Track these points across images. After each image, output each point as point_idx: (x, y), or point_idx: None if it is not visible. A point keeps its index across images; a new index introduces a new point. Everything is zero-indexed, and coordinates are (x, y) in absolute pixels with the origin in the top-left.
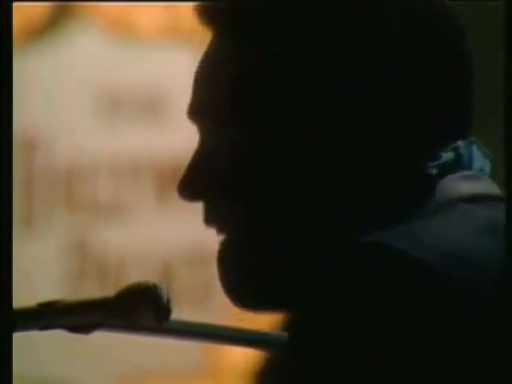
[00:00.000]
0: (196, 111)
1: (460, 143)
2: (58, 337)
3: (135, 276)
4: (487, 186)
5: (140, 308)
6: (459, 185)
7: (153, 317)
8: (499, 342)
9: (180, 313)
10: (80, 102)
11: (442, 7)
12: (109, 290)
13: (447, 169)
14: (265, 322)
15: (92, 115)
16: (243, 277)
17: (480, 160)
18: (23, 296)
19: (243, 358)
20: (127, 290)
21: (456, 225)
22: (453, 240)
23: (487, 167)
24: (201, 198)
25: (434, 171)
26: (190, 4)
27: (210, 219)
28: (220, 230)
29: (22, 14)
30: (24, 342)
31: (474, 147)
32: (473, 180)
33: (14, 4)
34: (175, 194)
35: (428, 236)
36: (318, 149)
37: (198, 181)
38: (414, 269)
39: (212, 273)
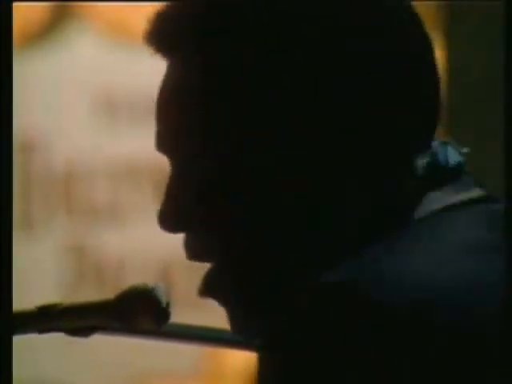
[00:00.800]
0: (168, 140)
1: (434, 144)
2: (57, 340)
3: (134, 279)
4: (468, 191)
5: (139, 311)
6: (433, 197)
7: (152, 320)
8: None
9: (179, 315)
10: (78, 105)
11: (415, 13)
12: (107, 293)
13: (424, 171)
14: None
15: (90, 118)
16: (240, 306)
17: (455, 156)
18: (21, 298)
19: (242, 360)
20: (126, 292)
21: (425, 254)
22: (419, 272)
23: (463, 162)
24: (184, 229)
25: (413, 176)
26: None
27: (195, 251)
28: (207, 260)
29: (21, 17)
30: (23, 346)
31: (449, 147)
32: (451, 186)
33: (14, 5)
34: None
35: (395, 272)
36: (304, 166)
37: (179, 212)
38: (372, 311)
39: None
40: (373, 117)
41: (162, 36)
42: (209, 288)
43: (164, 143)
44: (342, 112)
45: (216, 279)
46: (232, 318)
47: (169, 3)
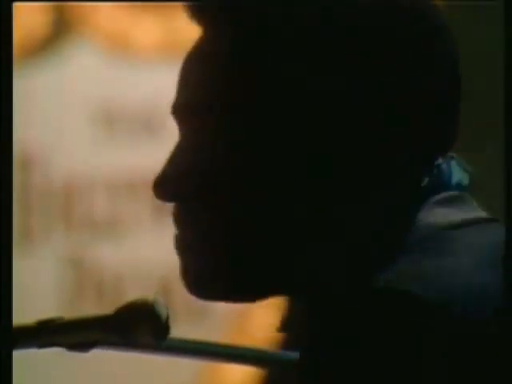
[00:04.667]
0: (182, 108)
1: (439, 160)
2: (57, 355)
3: (133, 292)
4: (469, 209)
5: (139, 325)
6: (445, 211)
7: (151, 334)
8: None
9: (177, 329)
10: (78, 118)
11: (438, 22)
12: (107, 306)
13: (429, 185)
14: (263, 339)
15: (90, 131)
16: (216, 268)
17: (458, 174)
18: (21, 311)
19: (241, 375)
20: (126, 307)
21: (458, 259)
22: (461, 278)
23: (466, 181)
24: (176, 199)
25: (417, 190)
26: (190, 21)
27: (180, 221)
28: (189, 229)
29: (21, 30)
30: (23, 360)
31: (453, 162)
32: (456, 203)
33: (14, 12)
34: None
35: (437, 276)
36: (306, 156)
37: (176, 182)
38: (436, 315)
39: None
40: (378, 127)
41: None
42: (184, 249)
43: (179, 108)
44: (346, 120)
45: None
46: (194, 277)
47: None
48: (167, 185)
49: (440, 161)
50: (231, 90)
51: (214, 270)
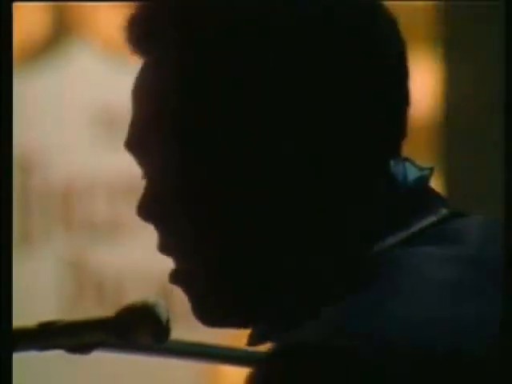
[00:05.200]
0: (141, 140)
1: (391, 163)
2: (57, 356)
3: (133, 294)
4: (428, 214)
5: (139, 327)
6: (393, 224)
7: (152, 336)
8: None
9: (178, 332)
10: (78, 121)
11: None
12: (107, 308)
13: (383, 192)
14: None
15: (89, 135)
16: (214, 296)
17: (414, 173)
18: (21, 314)
19: (241, 377)
20: (127, 309)
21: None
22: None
23: (425, 177)
24: (158, 218)
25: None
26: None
27: (168, 244)
28: (179, 254)
29: (21, 33)
30: (23, 363)
31: (407, 164)
32: (412, 210)
33: (14, 16)
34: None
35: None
36: (270, 170)
37: (158, 203)
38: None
39: None
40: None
41: (139, 35)
42: (179, 279)
43: (139, 140)
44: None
45: (185, 271)
46: (199, 305)
47: (144, 4)
48: (147, 205)
49: (390, 164)
50: (196, 103)
51: (212, 293)
